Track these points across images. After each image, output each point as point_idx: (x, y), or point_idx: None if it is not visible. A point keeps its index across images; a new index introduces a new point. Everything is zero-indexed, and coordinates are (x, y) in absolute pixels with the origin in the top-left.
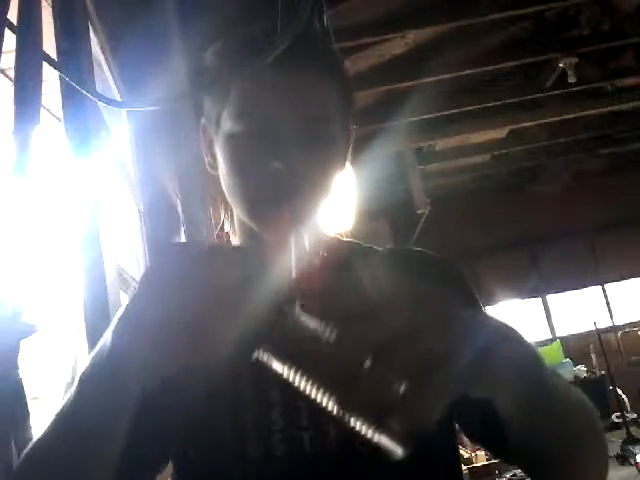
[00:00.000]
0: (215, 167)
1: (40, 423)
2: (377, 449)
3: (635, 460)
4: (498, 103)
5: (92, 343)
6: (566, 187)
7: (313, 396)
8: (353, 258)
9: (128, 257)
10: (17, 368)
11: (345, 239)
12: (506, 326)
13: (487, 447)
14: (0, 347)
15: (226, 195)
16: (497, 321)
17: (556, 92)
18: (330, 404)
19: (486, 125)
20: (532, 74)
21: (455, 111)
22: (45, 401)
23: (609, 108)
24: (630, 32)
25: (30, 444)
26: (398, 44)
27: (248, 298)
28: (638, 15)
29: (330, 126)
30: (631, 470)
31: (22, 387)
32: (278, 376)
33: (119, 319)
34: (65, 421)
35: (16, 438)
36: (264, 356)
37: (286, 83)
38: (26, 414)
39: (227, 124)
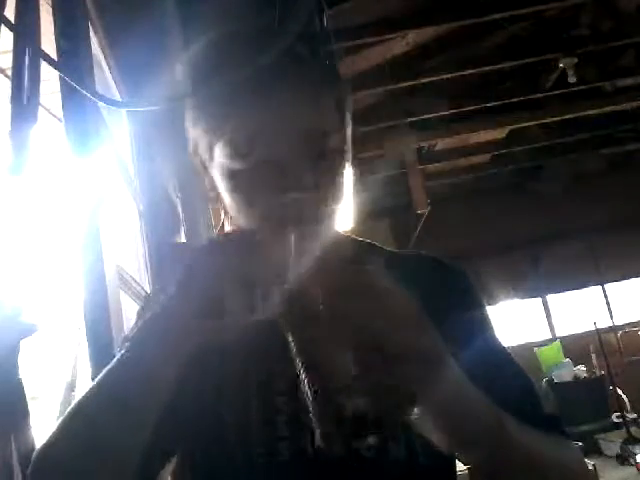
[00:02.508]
0: (214, 188)
1: (40, 422)
2: (381, 454)
3: (635, 460)
4: (498, 103)
5: (92, 343)
6: (566, 187)
7: (316, 402)
8: (362, 257)
9: (128, 257)
10: (17, 368)
11: (359, 239)
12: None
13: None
14: (0, 347)
15: (230, 215)
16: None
17: (556, 92)
18: (331, 408)
19: (486, 125)
20: (532, 74)
21: (455, 111)
22: (45, 401)
23: (609, 108)
24: (630, 32)
25: (72, 406)
26: (398, 44)
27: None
28: (638, 15)
29: (329, 139)
30: (631, 470)
31: (22, 387)
32: (283, 382)
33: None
34: (104, 395)
35: (16, 438)
36: (270, 359)
37: (280, 110)
38: (26, 414)
39: (223, 159)
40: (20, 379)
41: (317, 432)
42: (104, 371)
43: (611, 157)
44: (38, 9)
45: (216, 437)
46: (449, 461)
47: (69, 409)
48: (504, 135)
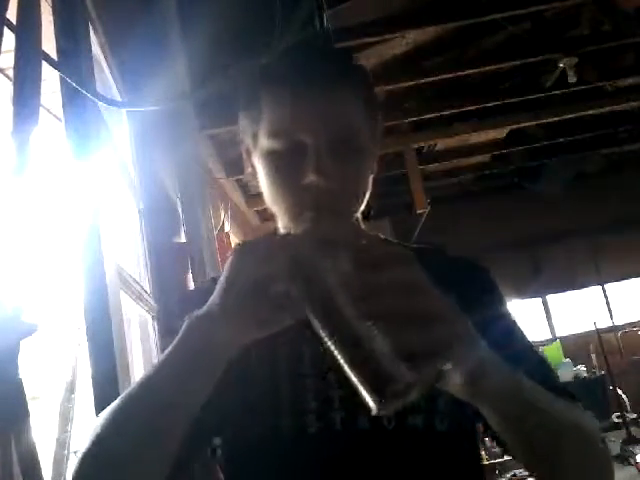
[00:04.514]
0: (255, 176)
1: (40, 422)
2: (406, 429)
3: (635, 460)
4: (498, 103)
5: (92, 343)
6: (566, 187)
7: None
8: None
9: (128, 257)
10: (17, 368)
11: (382, 237)
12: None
13: (498, 446)
14: (0, 347)
15: (268, 203)
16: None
17: (556, 92)
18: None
19: (486, 125)
20: (532, 74)
21: (455, 111)
22: (45, 401)
23: (609, 108)
24: (630, 32)
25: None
26: (398, 44)
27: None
28: (638, 15)
29: (359, 135)
30: (631, 470)
31: (22, 387)
32: (310, 360)
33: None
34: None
35: (16, 438)
36: (302, 340)
37: (314, 100)
38: (26, 414)
39: (264, 142)
40: (20, 379)
41: (368, 400)
42: (152, 367)
43: (611, 157)
44: (39, 10)
45: (249, 413)
46: (468, 430)
47: (114, 407)
48: (504, 135)
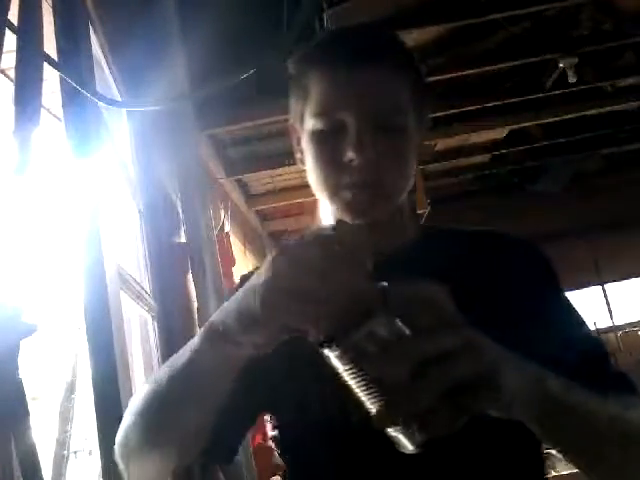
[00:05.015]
0: (303, 162)
1: (40, 422)
2: None
3: None
4: (498, 103)
5: (92, 343)
6: (566, 187)
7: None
8: (436, 240)
9: (128, 257)
10: (17, 368)
11: (428, 224)
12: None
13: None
14: (0, 347)
15: (313, 186)
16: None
17: (556, 92)
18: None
19: (486, 125)
20: (532, 74)
21: (455, 111)
22: (45, 401)
23: (609, 108)
24: (630, 32)
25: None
26: None
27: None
28: (638, 15)
29: (400, 114)
30: None
31: (22, 387)
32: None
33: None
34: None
35: (16, 438)
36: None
37: (355, 79)
38: (26, 414)
39: (309, 122)
40: (20, 379)
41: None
42: (185, 348)
43: (611, 157)
44: (40, 12)
45: (294, 401)
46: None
47: (151, 387)
48: (504, 135)
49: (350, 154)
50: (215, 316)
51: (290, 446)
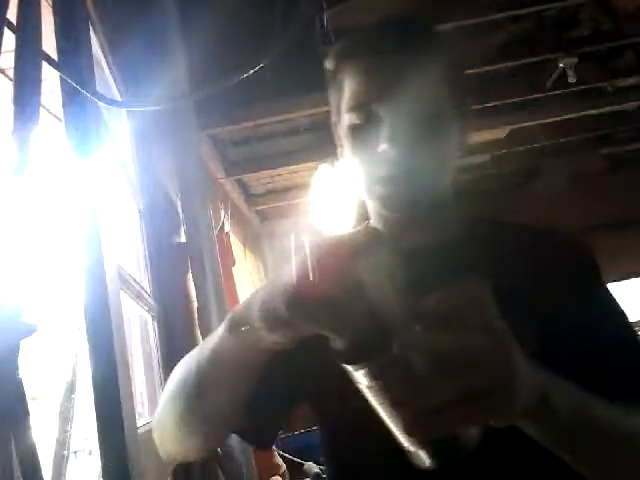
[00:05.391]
0: (343, 153)
1: (40, 422)
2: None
3: None
4: (498, 103)
5: (92, 343)
6: (566, 187)
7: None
8: (480, 234)
9: (128, 257)
10: (17, 368)
11: (479, 214)
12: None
13: None
14: (0, 347)
15: (352, 180)
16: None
17: (556, 92)
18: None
19: (486, 125)
20: (532, 74)
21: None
22: (45, 401)
23: (609, 108)
24: (630, 32)
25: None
26: None
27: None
28: (638, 15)
29: (437, 105)
30: None
31: (22, 387)
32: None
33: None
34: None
35: (16, 438)
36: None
37: (387, 72)
38: (26, 414)
39: (345, 117)
40: (20, 379)
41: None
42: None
43: (611, 157)
44: (39, 11)
45: (336, 391)
46: None
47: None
48: (504, 135)
49: (384, 147)
50: (240, 307)
51: (331, 438)
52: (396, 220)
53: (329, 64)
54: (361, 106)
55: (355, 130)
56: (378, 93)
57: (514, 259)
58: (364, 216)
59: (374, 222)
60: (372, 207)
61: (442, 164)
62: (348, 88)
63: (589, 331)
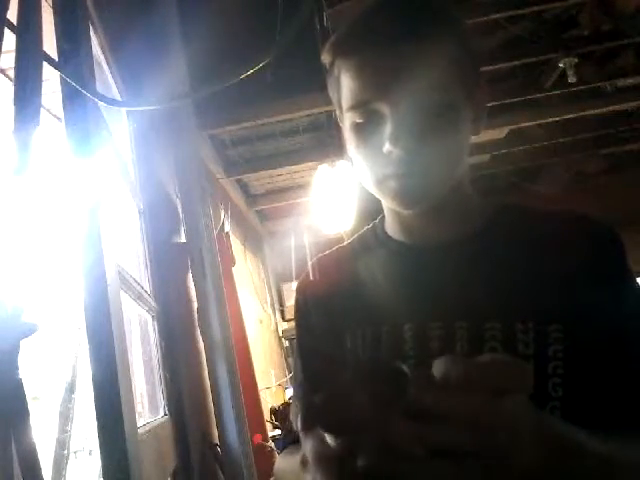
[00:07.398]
0: (348, 152)
1: (40, 422)
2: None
3: None
4: (498, 103)
5: (92, 343)
6: (566, 187)
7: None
8: (506, 224)
9: (128, 257)
10: (17, 368)
11: (493, 202)
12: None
13: None
14: (0, 347)
15: (360, 179)
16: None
17: (556, 92)
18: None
19: (486, 125)
20: (532, 74)
21: None
22: (45, 401)
23: (609, 108)
24: (630, 32)
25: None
26: None
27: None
28: (638, 15)
29: (444, 95)
30: None
31: (22, 387)
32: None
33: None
34: None
35: (16, 438)
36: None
37: (385, 66)
38: (26, 414)
39: (347, 115)
40: (20, 379)
41: None
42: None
43: (611, 157)
44: (40, 11)
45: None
46: None
47: None
48: (503, 135)
49: (388, 146)
50: None
51: None
52: (410, 217)
53: (325, 59)
54: (360, 105)
55: (357, 129)
56: (376, 90)
57: (545, 245)
58: (365, 216)
59: (387, 219)
60: (384, 203)
61: (455, 155)
62: (345, 85)
63: (619, 315)
